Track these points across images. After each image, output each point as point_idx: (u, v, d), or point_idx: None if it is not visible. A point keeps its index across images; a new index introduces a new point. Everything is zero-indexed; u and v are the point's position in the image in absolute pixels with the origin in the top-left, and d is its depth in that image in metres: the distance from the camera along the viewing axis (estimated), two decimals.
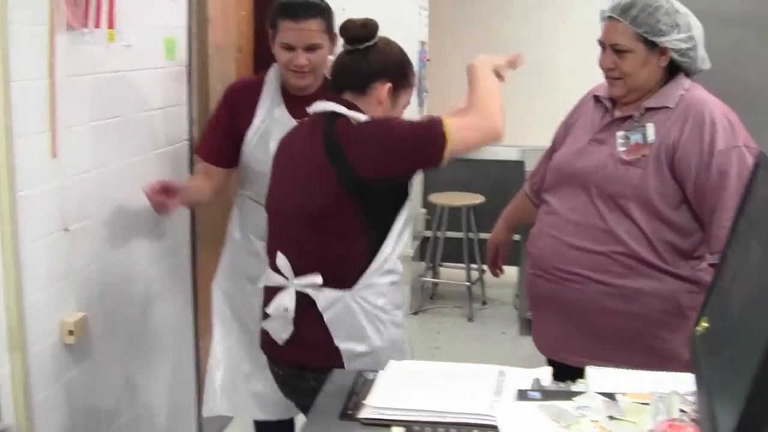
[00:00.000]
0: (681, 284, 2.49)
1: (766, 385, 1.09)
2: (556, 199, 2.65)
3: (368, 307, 2.28)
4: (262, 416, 3.11)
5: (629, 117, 2.57)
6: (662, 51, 2.50)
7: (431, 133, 2.19)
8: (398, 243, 2.32)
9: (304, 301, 2.28)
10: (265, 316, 2.38)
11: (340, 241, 2.27)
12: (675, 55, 2.50)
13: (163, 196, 2.69)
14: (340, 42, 2.42)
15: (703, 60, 2.56)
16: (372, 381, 1.90)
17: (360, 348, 2.27)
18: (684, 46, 2.50)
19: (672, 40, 2.49)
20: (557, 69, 6.59)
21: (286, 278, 2.31)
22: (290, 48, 2.75)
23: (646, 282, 2.50)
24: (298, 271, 2.29)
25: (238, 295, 3.03)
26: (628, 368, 1.96)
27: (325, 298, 2.26)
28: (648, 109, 2.53)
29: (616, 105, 2.63)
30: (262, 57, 3.79)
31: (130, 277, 2.83)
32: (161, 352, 3.13)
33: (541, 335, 2.75)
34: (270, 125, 2.83)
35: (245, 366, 3.03)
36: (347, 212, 2.24)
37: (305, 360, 2.31)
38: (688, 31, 2.50)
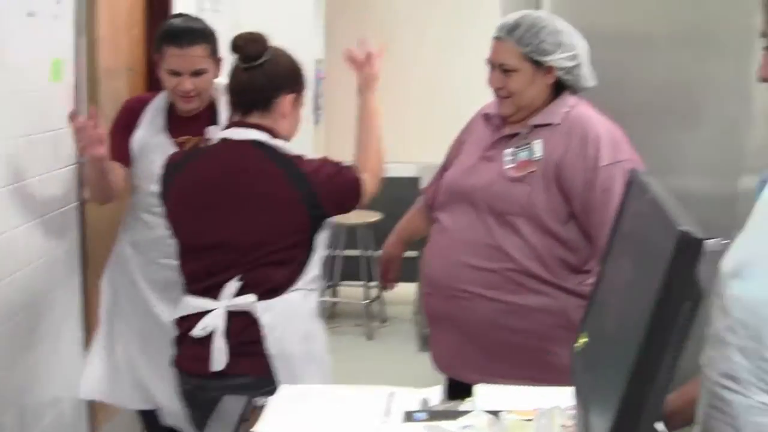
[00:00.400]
0: (571, 299, 2.54)
1: (634, 401, 1.12)
2: (448, 217, 2.68)
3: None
4: (147, 406, 3.14)
5: (517, 134, 2.62)
6: (548, 69, 2.56)
7: (356, 183, 2.46)
8: (317, 263, 2.46)
9: (234, 318, 2.34)
10: (184, 340, 2.40)
11: (283, 267, 2.37)
12: (560, 74, 2.57)
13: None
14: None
15: (587, 78, 2.63)
16: (262, 407, 1.88)
17: (297, 348, 2.36)
18: (569, 64, 2.57)
19: (557, 59, 2.55)
20: (453, 86, 6.66)
21: (215, 301, 2.35)
22: (176, 73, 2.83)
23: (537, 298, 2.56)
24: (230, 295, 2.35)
25: (128, 289, 3.07)
26: (524, 384, 2.00)
27: (261, 307, 2.34)
28: (535, 126, 2.58)
29: (505, 122, 2.68)
30: (154, 77, 3.74)
31: (15, 269, 2.75)
32: (47, 342, 3.03)
33: (438, 353, 2.77)
34: (148, 141, 2.95)
35: (130, 355, 3.07)
36: (305, 244, 2.39)
37: (231, 367, 2.32)
38: (572, 49, 2.57)
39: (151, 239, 2.99)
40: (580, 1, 3.25)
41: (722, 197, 3.24)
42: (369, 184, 2.51)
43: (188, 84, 2.84)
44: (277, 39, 5.49)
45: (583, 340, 1.54)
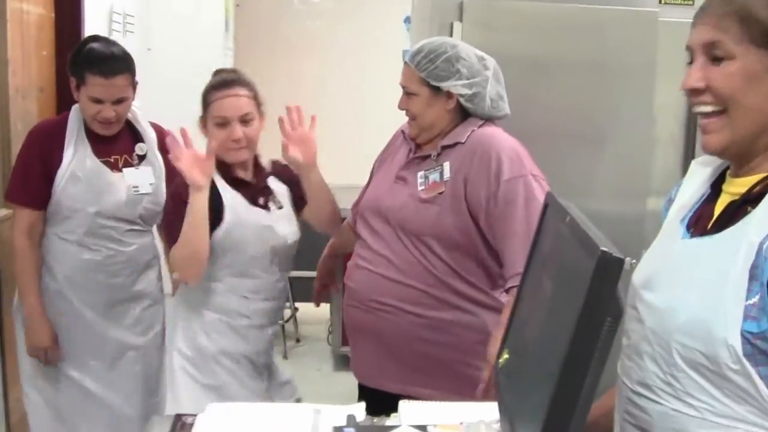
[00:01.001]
0: (491, 315, 2.59)
1: (560, 414, 1.18)
2: (368, 234, 2.72)
3: None
4: None
5: (429, 156, 2.68)
6: (448, 95, 2.62)
7: None
8: None
9: None
10: None
11: None
12: (461, 100, 2.63)
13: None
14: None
15: (492, 107, 2.66)
16: (191, 425, 1.89)
17: None
18: (465, 91, 2.61)
19: (453, 85, 2.61)
20: (365, 107, 6.73)
21: None
22: (98, 101, 2.82)
23: (456, 313, 2.60)
24: None
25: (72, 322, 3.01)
26: (446, 395, 2.04)
27: None
28: (444, 148, 2.64)
29: (418, 144, 2.74)
30: (64, 97, 3.71)
31: None
32: None
33: (359, 364, 2.80)
34: (83, 164, 2.89)
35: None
36: None
37: None
38: (471, 77, 2.61)
39: (95, 263, 2.95)
40: (490, 28, 3.36)
41: (631, 218, 3.38)
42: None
43: (110, 112, 2.85)
44: (187, 61, 5.50)
45: (505, 356, 1.60)
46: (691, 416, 1.39)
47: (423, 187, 2.63)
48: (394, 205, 2.67)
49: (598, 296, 1.13)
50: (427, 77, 2.62)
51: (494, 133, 2.62)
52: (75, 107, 2.94)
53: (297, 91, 6.33)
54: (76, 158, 2.89)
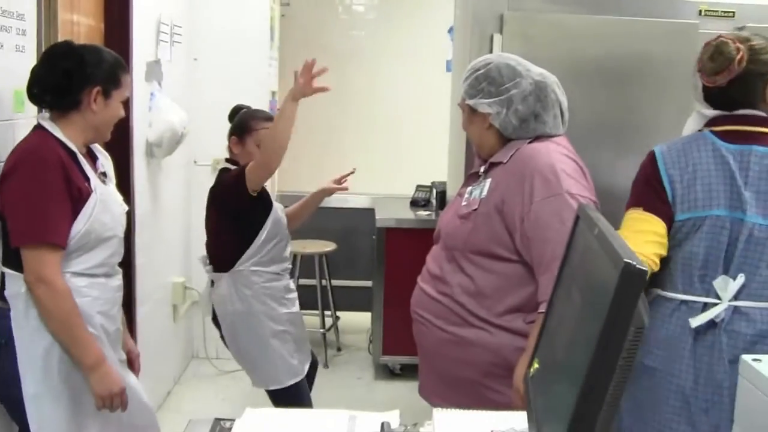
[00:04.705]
0: (511, 338, 2.55)
1: (585, 421, 1.20)
2: (434, 248, 2.78)
3: None
4: None
5: (478, 172, 2.71)
6: (484, 113, 2.62)
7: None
8: None
9: None
10: None
11: None
12: (489, 118, 2.61)
13: None
14: None
15: (522, 127, 2.58)
16: (229, 429, 1.94)
17: None
18: (488, 110, 2.60)
19: (479, 104, 2.62)
20: (406, 120, 6.78)
21: None
22: (126, 101, 2.74)
23: (475, 332, 2.59)
24: None
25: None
26: None
27: None
28: (491, 165, 2.64)
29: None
30: None
31: None
32: None
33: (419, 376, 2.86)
34: (104, 190, 2.63)
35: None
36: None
37: None
38: (497, 96, 2.58)
39: (111, 287, 2.69)
40: (530, 40, 3.38)
41: None
42: (251, 172, 3.29)
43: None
44: (232, 70, 5.58)
45: (535, 366, 1.62)
46: None
47: (465, 203, 2.65)
48: (444, 219, 2.72)
49: (622, 306, 1.15)
50: (463, 94, 2.65)
51: (536, 150, 2.54)
52: (44, 130, 2.56)
53: (341, 101, 6.40)
54: (98, 185, 2.60)
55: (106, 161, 2.80)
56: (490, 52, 3.36)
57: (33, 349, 2.49)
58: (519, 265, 2.55)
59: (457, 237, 2.62)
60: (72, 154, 2.56)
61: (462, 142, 3.56)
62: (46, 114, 2.65)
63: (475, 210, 2.58)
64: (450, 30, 5.13)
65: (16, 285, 2.51)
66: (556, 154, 2.54)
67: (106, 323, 2.63)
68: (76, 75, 2.57)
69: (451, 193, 2.98)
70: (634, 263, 1.15)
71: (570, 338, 1.41)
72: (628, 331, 1.16)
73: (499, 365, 2.54)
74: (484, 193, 2.59)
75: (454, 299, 2.61)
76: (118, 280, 2.73)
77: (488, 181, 2.60)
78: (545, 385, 1.52)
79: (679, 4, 3.52)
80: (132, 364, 2.91)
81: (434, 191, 5.69)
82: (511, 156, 2.57)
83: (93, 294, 2.58)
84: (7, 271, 2.54)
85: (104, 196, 2.61)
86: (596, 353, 1.17)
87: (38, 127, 2.60)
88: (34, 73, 2.63)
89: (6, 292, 2.53)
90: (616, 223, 2.46)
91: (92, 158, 2.72)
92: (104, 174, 2.73)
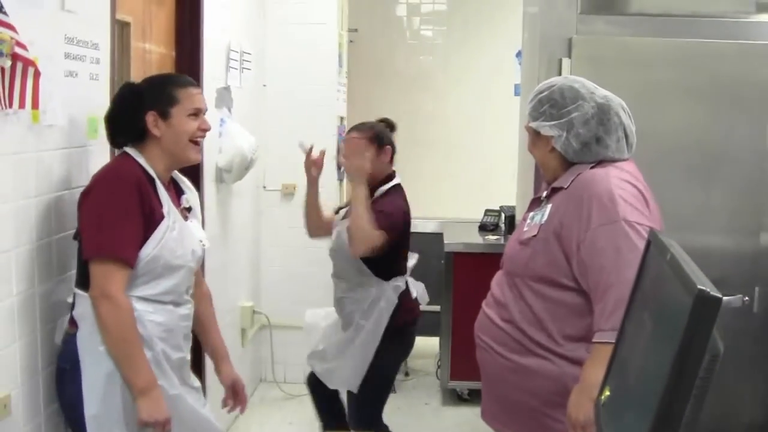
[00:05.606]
0: (572, 367, 2.48)
1: None
2: (496, 275, 2.76)
3: None
4: None
5: (540, 197, 2.69)
6: (547, 136, 2.59)
7: None
8: None
9: None
10: None
11: None
12: (552, 141, 2.57)
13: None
14: None
15: (583, 150, 2.54)
16: None
17: None
18: (551, 133, 2.56)
19: (541, 126, 2.58)
20: (474, 144, 6.77)
21: None
22: (197, 113, 2.70)
23: (535, 360, 2.55)
24: None
25: None
26: None
27: None
28: (553, 190, 2.60)
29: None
30: None
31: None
32: None
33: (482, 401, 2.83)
34: (179, 220, 2.65)
35: None
36: None
37: None
38: (558, 119, 2.54)
39: (178, 315, 2.67)
40: (599, 64, 3.35)
41: (745, 254, 3.30)
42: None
43: (208, 122, 2.74)
44: (301, 97, 5.64)
45: (606, 393, 1.59)
46: None
47: (527, 228, 2.62)
48: (508, 244, 2.71)
49: (696, 334, 1.13)
50: (528, 117, 2.64)
51: (595, 176, 2.49)
52: (133, 153, 2.64)
53: (410, 126, 6.42)
54: (176, 216, 2.63)
55: (192, 196, 2.86)
56: (559, 75, 3.34)
57: (97, 370, 2.51)
58: (577, 294, 2.49)
59: (518, 263, 2.60)
60: (151, 180, 2.61)
61: (530, 167, 3.53)
62: None
63: (535, 236, 2.54)
64: (518, 54, 5.12)
65: (84, 305, 2.55)
66: (616, 179, 2.48)
67: (168, 350, 2.61)
68: (131, 108, 2.64)
69: (519, 217, 2.95)
70: (708, 290, 1.12)
71: (642, 365, 1.38)
72: (702, 359, 1.13)
73: (561, 394, 2.47)
74: (545, 218, 2.55)
75: (516, 326, 2.58)
76: (187, 309, 2.73)
77: (549, 206, 2.57)
78: (617, 412, 1.49)
79: (751, 25, 3.46)
80: (237, 394, 2.99)
81: (503, 215, 5.66)
82: (572, 181, 2.53)
83: (157, 320, 2.58)
84: (78, 291, 2.59)
85: (179, 225, 2.63)
86: (670, 382, 1.15)
87: (122, 153, 2.69)
88: (105, 120, 2.74)
89: (74, 312, 2.58)
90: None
91: (177, 191, 2.78)
92: (188, 209, 2.78)
